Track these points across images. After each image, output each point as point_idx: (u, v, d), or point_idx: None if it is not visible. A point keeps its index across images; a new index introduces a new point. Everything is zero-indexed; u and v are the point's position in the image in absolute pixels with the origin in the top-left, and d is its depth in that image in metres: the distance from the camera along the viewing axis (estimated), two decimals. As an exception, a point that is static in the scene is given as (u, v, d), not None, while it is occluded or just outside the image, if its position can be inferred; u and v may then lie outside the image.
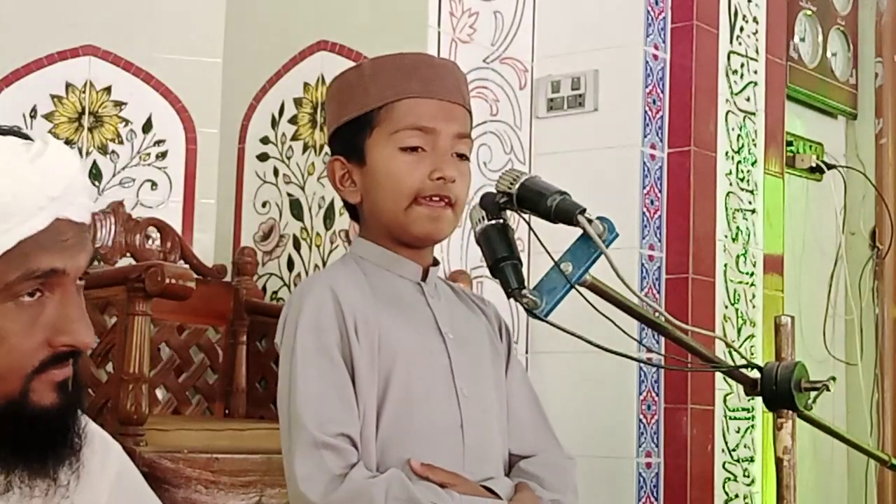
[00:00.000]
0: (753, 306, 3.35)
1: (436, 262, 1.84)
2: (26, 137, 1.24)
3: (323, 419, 1.65)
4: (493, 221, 1.61)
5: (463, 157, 1.78)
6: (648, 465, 3.07)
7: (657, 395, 3.10)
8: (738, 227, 3.31)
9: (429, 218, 1.74)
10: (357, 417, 1.67)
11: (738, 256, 3.31)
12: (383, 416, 1.70)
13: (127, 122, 3.38)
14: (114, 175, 3.35)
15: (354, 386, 1.68)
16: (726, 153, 3.28)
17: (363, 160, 1.77)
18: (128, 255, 3.20)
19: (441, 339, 1.77)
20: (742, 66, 3.36)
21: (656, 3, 3.19)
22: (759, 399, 1.67)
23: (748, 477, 3.28)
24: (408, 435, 1.70)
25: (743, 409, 3.27)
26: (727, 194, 3.28)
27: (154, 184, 3.38)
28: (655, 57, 3.18)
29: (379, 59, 1.83)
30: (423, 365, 1.74)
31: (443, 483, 1.67)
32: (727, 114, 3.29)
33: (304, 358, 1.69)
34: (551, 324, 1.51)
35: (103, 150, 3.35)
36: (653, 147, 3.15)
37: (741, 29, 3.36)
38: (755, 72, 3.41)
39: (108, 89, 3.37)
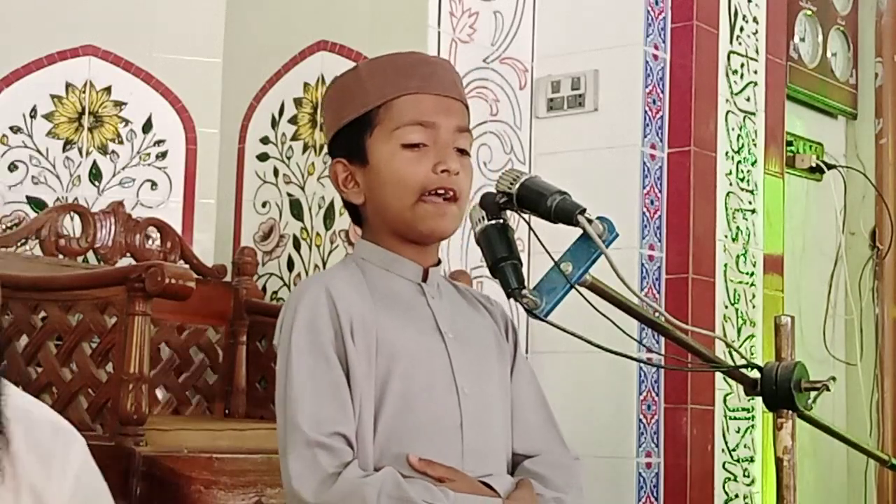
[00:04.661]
0: (753, 306, 3.35)
1: (438, 262, 1.85)
2: None
3: (317, 418, 1.66)
4: (493, 221, 1.61)
5: (464, 153, 1.79)
6: (648, 465, 3.07)
7: (657, 395, 3.10)
8: (738, 227, 3.31)
9: (434, 214, 1.75)
10: (352, 416, 1.68)
11: (738, 256, 3.31)
12: (382, 416, 1.70)
13: (127, 122, 3.38)
14: (114, 175, 3.35)
15: (350, 385, 1.68)
16: (726, 153, 3.28)
17: (365, 160, 1.78)
18: (128, 255, 3.20)
19: (441, 339, 1.77)
20: (742, 66, 3.36)
21: (656, 3, 3.19)
22: (759, 399, 1.67)
23: (748, 477, 3.28)
24: (407, 434, 1.71)
25: (743, 409, 3.27)
26: (727, 194, 3.28)
27: (154, 184, 3.38)
28: (655, 57, 3.18)
29: (374, 60, 1.85)
30: (423, 364, 1.74)
31: (441, 478, 1.68)
32: (727, 114, 3.29)
33: (298, 358, 1.70)
34: (551, 324, 1.52)
35: (103, 150, 3.35)
36: (653, 147, 3.15)
37: (741, 29, 3.36)
38: (755, 72, 3.41)
39: (108, 89, 3.37)
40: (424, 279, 1.81)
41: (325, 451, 1.64)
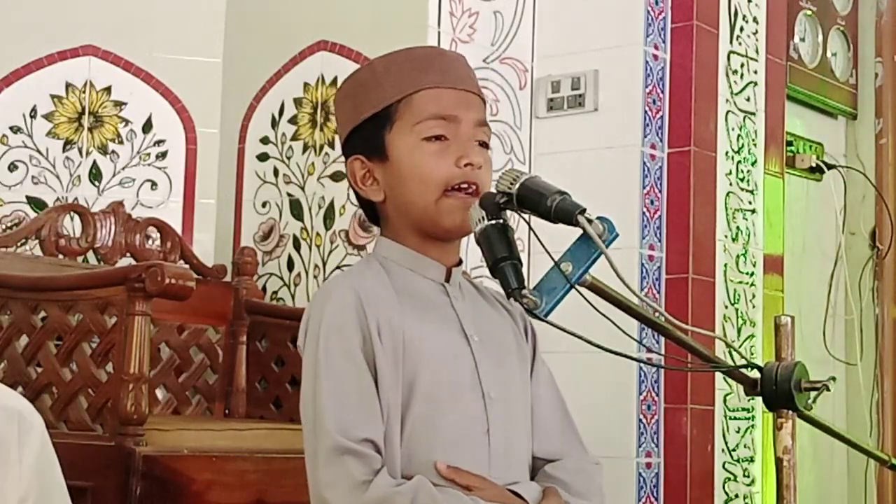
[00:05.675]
0: (753, 306, 3.35)
1: (459, 262, 1.83)
2: None
3: (346, 424, 1.63)
4: (493, 221, 1.60)
5: (484, 145, 1.78)
6: (648, 465, 3.07)
7: (657, 395, 3.09)
8: (738, 227, 3.31)
9: (459, 209, 1.73)
10: (381, 421, 1.65)
11: (738, 256, 3.31)
12: (408, 420, 1.68)
13: (127, 122, 3.38)
14: (114, 175, 3.35)
15: (378, 389, 1.66)
16: (726, 153, 3.28)
17: (385, 156, 1.76)
18: (128, 255, 3.20)
19: (466, 342, 1.75)
20: (742, 66, 3.36)
21: (656, 3, 3.19)
22: (759, 399, 1.67)
23: (748, 477, 3.28)
24: (433, 438, 1.69)
25: (743, 409, 3.27)
26: (727, 194, 3.28)
27: (154, 184, 3.38)
28: (655, 57, 3.18)
29: (390, 56, 1.82)
30: (449, 367, 1.72)
31: (469, 486, 1.66)
32: (727, 114, 3.29)
33: (327, 361, 1.67)
34: (551, 324, 1.51)
35: (103, 150, 3.35)
36: (653, 147, 3.15)
37: (741, 29, 3.36)
38: (755, 72, 3.41)
39: (108, 89, 3.37)
40: (447, 279, 1.80)
41: (356, 458, 1.62)
